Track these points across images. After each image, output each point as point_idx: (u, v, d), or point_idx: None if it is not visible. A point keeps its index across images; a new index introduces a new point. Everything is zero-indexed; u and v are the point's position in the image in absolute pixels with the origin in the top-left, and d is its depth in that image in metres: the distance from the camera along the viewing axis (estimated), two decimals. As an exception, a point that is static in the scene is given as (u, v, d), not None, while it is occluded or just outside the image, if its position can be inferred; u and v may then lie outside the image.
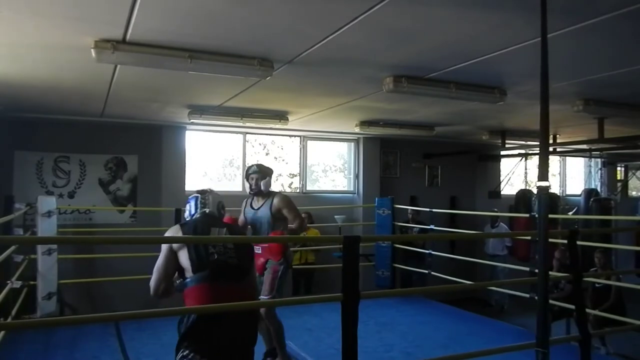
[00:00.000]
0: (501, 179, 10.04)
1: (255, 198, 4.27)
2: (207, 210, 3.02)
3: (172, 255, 2.76)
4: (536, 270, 2.55)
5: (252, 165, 4.35)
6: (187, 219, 3.07)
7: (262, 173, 4.25)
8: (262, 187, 4.20)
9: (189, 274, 2.69)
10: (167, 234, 2.93)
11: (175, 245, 2.76)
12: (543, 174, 2.19)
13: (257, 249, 4.02)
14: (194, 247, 2.69)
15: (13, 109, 6.08)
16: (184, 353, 2.63)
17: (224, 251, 2.72)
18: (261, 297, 3.97)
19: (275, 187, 8.35)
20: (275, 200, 4.16)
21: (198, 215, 3.02)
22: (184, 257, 2.71)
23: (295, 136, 8.59)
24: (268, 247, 4.05)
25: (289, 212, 4.16)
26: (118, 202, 7.35)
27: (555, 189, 11.10)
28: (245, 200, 4.43)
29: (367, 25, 3.05)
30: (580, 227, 8.59)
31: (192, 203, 3.07)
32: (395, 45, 3.56)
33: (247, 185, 4.31)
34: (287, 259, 4.12)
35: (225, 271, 2.68)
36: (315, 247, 7.65)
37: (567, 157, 11.16)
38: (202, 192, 3.10)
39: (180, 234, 2.86)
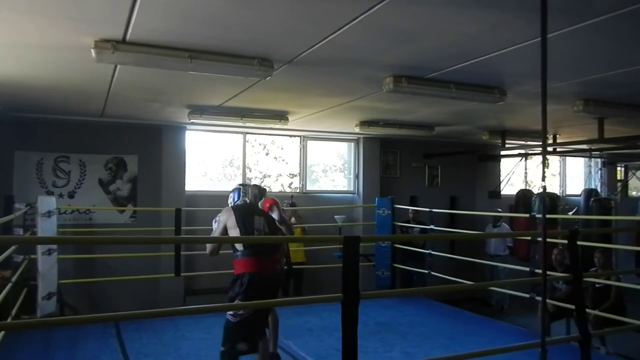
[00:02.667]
0: (501, 179, 10.04)
1: None
2: (247, 200, 3.98)
3: (224, 231, 3.80)
4: (536, 270, 2.55)
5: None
6: (233, 205, 3.99)
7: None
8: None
9: (240, 247, 3.69)
10: (222, 213, 3.87)
11: (229, 224, 3.75)
12: (543, 174, 2.19)
13: None
14: (244, 229, 3.70)
15: (13, 109, 6.09)
16: (240, 298, 3.60)
17: (262, 230, 3.81)
18: None
19: (275, 187, 8.41)
20: None
21: (240, 203, 3.96)
22: (235, 234, 3.75)
23: (295, 136, 8.59)
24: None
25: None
26: (118, 202, 7.35)
27: (555, 189, 11.10)
28: None
29: (367, 25, 3.05)
30: (580, 227, 8.58)
31: (235, 194, 4.04)
32: (395, 45, 3.56)
33: None
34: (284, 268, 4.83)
35: (263, 248, 3.69)
36: (306, 247, 7.62)
37: (567, 157, 11.16)
38: (243, 185, 4.15)
39: (232, 214, 3.79)
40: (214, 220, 3.93)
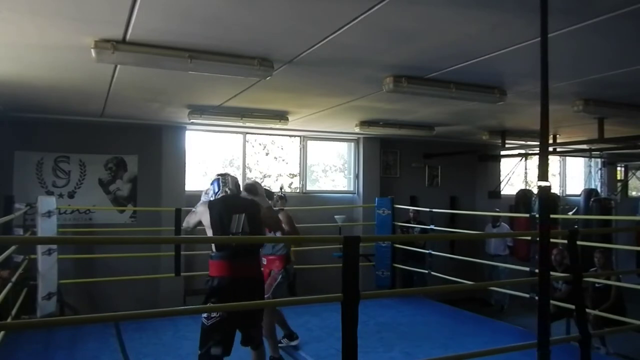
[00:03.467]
0: (501, 179, 10.04)
1: None
2: (228, 191, 3.65)
3: (199, 224, 3.62)
4: (536, 270, 2.55)
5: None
6: (212, 199, 3.66)
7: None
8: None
9: (214, 247, 3.47)
10: (197, 207, 3.65)
11: (204, 221, 3.53)
12: (543, 174, 2.19)
13: (264, 261, 4.67)
14: (220, 232, 3.44)
15: (13, 109, 6.08)
16: (211, 302, 3.43)
17: (240, 231, 3.51)
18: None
19: (275, 187, 8.39)
20: None
21: (220, 196, 3.64)
22: (209, 233, 3.53)
23: (295, 136, 8.59)
24: (271, 260, 4.77)
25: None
26: (118, 202, 7.35)
27: (555, 189, 11.10)
28: None
29: (367, 25, 3.05)
30: (580, 227, 8.58)
31: (215, 185, 3.70)
32: (395, 45, 3.55)
33: None
34: (287, 270, 4.77)
35: (240, 250, 3.45)
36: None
37: (567, 157, 11.16)
38: (222, 175, 3.76)
39: (207, 212, 3.53)
40: (192, 209, 3.74)
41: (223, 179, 3.70)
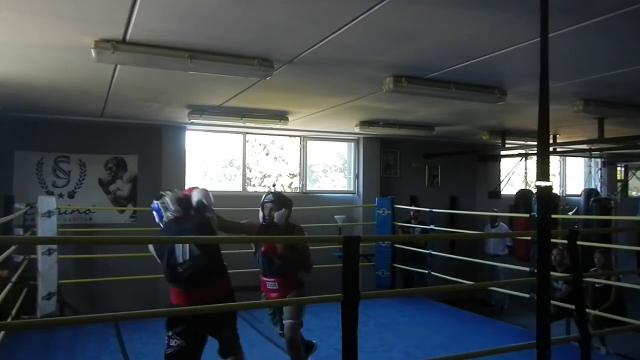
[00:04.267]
0: (501, 179, 10.04)
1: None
2: (170, 215, 3.25)
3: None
4: (536, 270, 2.55)
5: (269, 193, 3.91)
6: (162, 226, 3.33)
7: (278, 203, 3.83)
8: (276, 220, 3.82)
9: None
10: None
11: (151, 250, 3.25)
12: (543, 174, 2.19)
13: (273, 285, 3.89)
14: (165, 265, 3.13)
15: (13, 109, 6.08)
16: (171, 336, 3.17)
17: (190, 265, 3.10)
18: (286, 321, 3.85)
19: (275, 187, 8.37)
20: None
21: (166, 224, 3.27)
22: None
23: (295, 136, 8.59)
24: (284, 282, 3.88)
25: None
26: (118, 202, 7.35)
27: (555, 189, 11.09)
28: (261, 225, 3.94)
29: (367, 25, 3.05)
30: (580, 227, 8.58)
31: (158, 210, 3.29)
32: (395, 45, 3.55)
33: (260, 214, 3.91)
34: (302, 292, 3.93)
35: (191, 281, 3.12)
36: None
37: (567, 157, 11.16)
38: (158, 198, 3.30)
39: (151, 247, 3.24)
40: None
41: (162, 203, 3.25)
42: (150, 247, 3.25)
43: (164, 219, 3.25)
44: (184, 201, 3.30)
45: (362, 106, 5.92)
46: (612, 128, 6.64)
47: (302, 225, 4.12)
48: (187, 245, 3.08)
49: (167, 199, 3.24)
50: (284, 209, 3.82)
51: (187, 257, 3.08)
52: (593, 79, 4.40)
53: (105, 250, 6.79)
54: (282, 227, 3.86)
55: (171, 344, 3.14)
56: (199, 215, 3.32)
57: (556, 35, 3.05)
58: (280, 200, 3.86)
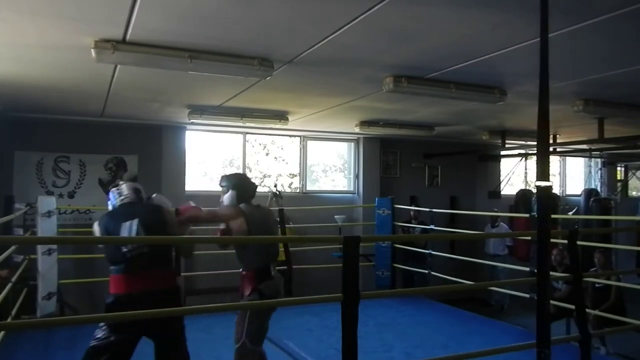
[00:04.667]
0: (501, 179, 10.04)
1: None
2: (126, 200, 3.20)
3: None
4: (536, 270, 2.56)
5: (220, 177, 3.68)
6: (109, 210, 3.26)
7: (226, 187, 3.58)
8: (226, 204, 3.55)
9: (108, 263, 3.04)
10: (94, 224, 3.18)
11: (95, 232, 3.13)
12: (543, 174, 2.19)
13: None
14: (110, 250, 3.00)
15: (13, 109, 6.09)
16: (102, 327, 2.98)
17: (136, 245, 2.99)
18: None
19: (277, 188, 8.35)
20: None
21: (116, 207, 3.21)
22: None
23: (295, 136, 8.59)
24: (240, 281, 3.46)
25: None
26: (118, 202, 7.34)
27: (555, 189, 11.10)
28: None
29: (367, 25, 3.05)
30: (580, 227, 8.58)
31: (111, 197, 3.26)
32: (395, 45, 3.55)
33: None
34: (262, 292, 3.30)
35: (134, 263, 2.96)
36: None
37: (567, 157, 11.16)
38: (116, 185, 3.34)
39: (97, 227, 3.13)
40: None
41: (117, 190, 3.23)
42: (95, 227, 3.13)
43: (116, 203, 3.20)
44: (139, 191, 3.30)
45: (362, 106, 5.92)
46: (612, 128, 6.64)
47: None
48: (134, 226, 3.02)
49: (124, 186, 3.28)
50: (231, 191, 3.54)
51: (134, 247, 2.98)
52: (593, 79, 4.40)
53: (105, 250, 6.78)
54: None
55: (98, 336, 2.92)
56: (149, 205, 3.32)
57: (556, 35, 3.05)
58: (228, 182, 3.59)
